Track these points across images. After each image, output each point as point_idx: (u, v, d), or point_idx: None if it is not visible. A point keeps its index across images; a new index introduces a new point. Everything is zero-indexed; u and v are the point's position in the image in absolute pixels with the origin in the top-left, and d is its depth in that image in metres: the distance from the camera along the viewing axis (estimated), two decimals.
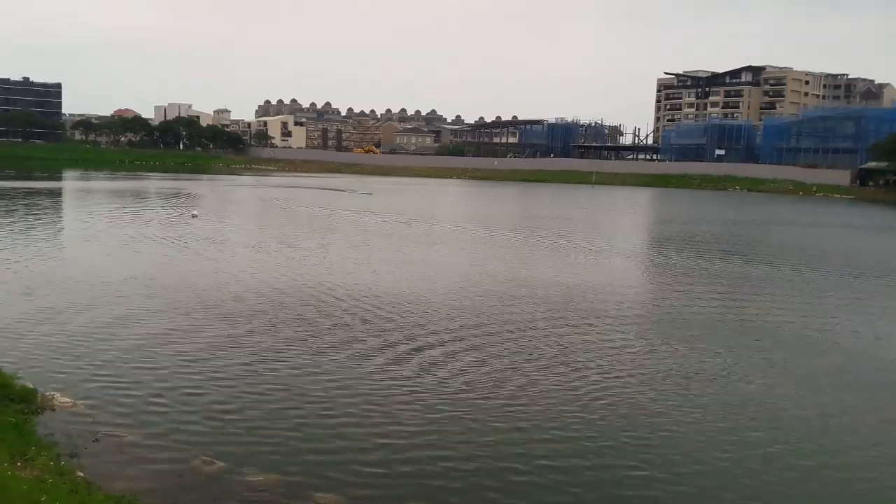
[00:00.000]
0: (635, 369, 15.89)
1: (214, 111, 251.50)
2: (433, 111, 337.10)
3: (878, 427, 13.26)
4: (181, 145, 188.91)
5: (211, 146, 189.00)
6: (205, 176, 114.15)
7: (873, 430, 13.12)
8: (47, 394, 12.63)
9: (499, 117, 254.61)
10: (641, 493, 10.39)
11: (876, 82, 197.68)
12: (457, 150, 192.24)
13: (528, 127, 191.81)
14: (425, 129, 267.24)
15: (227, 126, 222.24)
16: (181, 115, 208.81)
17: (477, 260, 31.76)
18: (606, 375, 15.39)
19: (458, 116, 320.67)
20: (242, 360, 15.50)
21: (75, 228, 38.27)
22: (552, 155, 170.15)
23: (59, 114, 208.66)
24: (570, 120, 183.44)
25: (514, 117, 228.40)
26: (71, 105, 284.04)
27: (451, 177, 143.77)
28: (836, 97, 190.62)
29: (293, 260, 29.31)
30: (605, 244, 39.82)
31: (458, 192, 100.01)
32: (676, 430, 12.54)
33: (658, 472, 10.98)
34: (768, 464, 11.43)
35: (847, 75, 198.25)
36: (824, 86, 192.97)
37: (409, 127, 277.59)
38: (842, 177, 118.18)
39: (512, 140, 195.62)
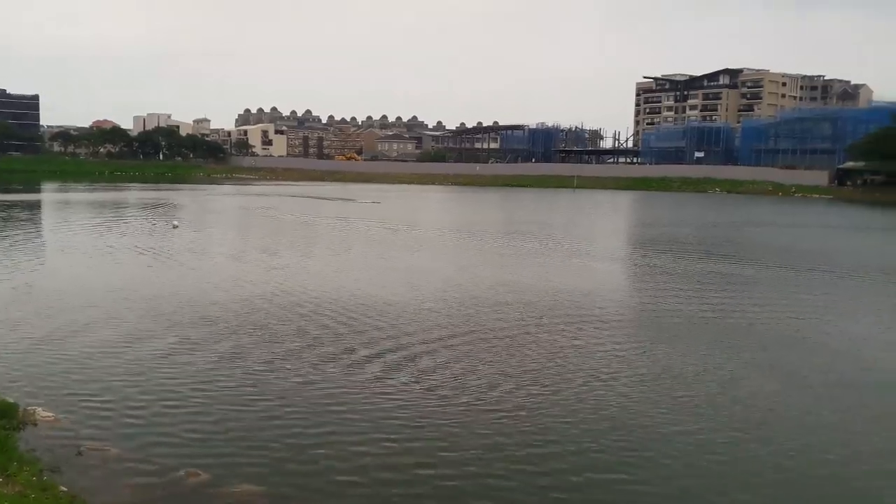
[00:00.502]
0: (622, 373, 15.93)
1: (194, 120, 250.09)
2: (414, 118, 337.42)
3: (867, 426, 13.33)
4: (161, 155, 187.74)
5: (191, 156, 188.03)
6: (185, 186, 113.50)
7: (863, 429, 13.19)
8: (28, 408, 12.50)
9: (480, 123, 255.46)
10: (630, 501, 10.40)
11: (852, 83, 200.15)
12: (438, 157, 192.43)
13: (509, 132, 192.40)
14: (407, 136, 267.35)
15: (206, 135, 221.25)
16: (160, 125, 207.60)
17: (463, 265, 31.79)
18: (593, 380, 15.41)
19: (439, 122, 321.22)
20: (227, 371, 15.40)
21: (54, 240, 37.92)
22: (533, 160, 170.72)
23: (37, 125, 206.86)
24: (550, 125, 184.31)
25: (496, 123, 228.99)
26: (49, 117, 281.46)
27: (433, 183, 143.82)
28: (813, 98, 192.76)
29: (276, 269, 29.19)
30: (589, 248, 39.98)
31: (440, 198, 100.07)
32: (664, 435, 12.56)
33: (647, 478, 10.97)
34: (758, 466, 11.47)
35: (823, 76, 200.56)
36: (801, 87, 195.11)
37: (391, 134, 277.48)
38: (820, 177, 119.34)
39: (493, 146, 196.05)
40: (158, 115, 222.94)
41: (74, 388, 14.02)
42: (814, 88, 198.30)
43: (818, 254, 39.33)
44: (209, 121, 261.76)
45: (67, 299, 22.15)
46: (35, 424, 12.03)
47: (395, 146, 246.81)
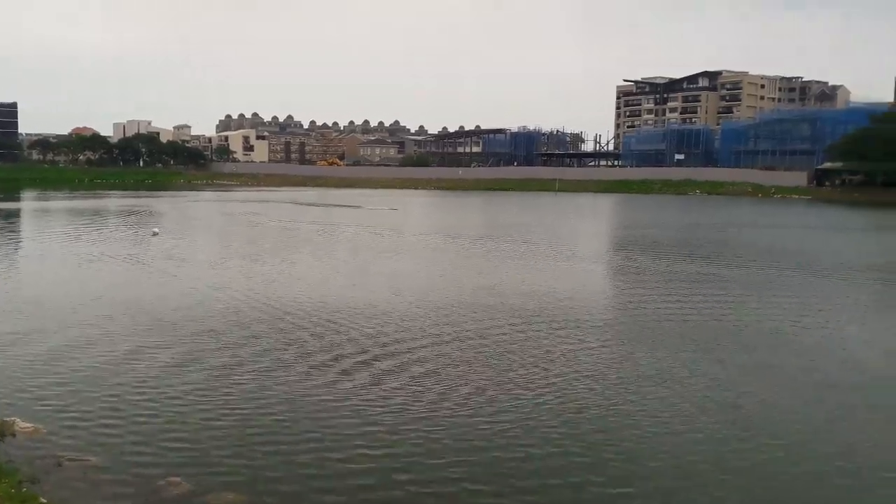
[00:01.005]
0: (607, 377, 15.93)
1: (174, 127, 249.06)
2: (396, 122, 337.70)
3: (855, 428, 13.41)
4: (141, 162, 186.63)
5: (171, 162, 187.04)
6: (166, 193, 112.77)
7: (849, 431, 13.26)
8: (7, 419, 12.34)
9: (462, 127, 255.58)
10: None
11: (830, 84, 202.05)
12: (421, 161, 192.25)
13: (491, 136, 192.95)
14: (389, 141, 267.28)
15: (187, 142, 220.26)
16: (140, 131, 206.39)
17: (446, 269, 31.79)
18: (578, 384, 15.41)
19: (421, 127, 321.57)
20: (205, 379, 15.27)
21: (33, 248, 37.54)
22: (516, 163, 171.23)
23: (16, 134, 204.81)
24: (532, 128, 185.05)
25: (478, 127, 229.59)
26: (27, 124, 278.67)
27: (415, 187, 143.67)
28: (792, 100, 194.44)
29: (258, 276, 29.02)
30: (572, 251, 40.05)
31: (424, 202, 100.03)
32: (650, 439, 12.57)
33: (632, 482, 10.96)
34: (745, 470, 11.49)
35: (801, 78, 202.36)
36: (780, 89, 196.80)
37: (373, 138, 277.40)
38: (799, 178, 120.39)
39: (475, 150, 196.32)
40: (138, 122, 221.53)
41: (53, 398, 13.86)
42: (792, 90, 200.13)
43: (799, 254, 39.64)
44: (190, 127, 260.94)
45: (45, 308, 21.91)
46: (14, 435, 11.88)
47: (377, 151, 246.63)
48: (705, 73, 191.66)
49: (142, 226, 51.74)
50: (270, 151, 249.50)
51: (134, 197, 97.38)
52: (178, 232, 48.64)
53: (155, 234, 44.59)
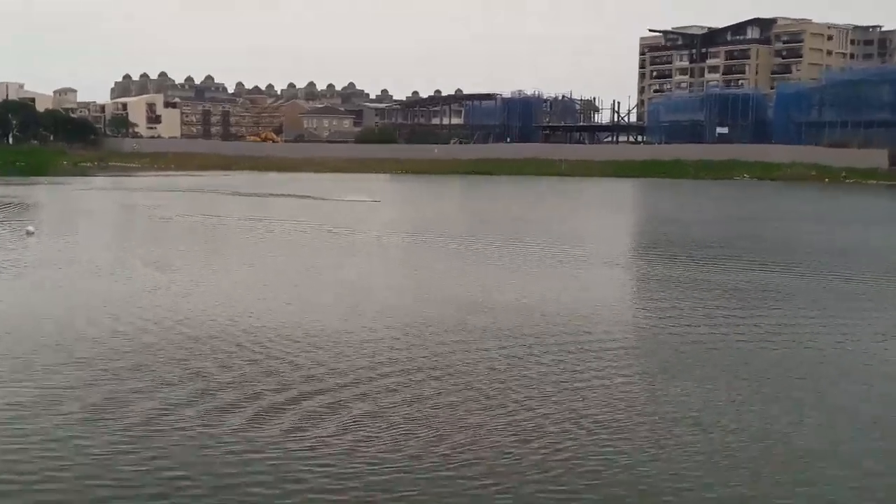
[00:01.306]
0: (614, 415, 15.89)
1: (55, 91, 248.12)
2: (351, 85, 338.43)
3: None
4: (10, 138, 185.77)
5: (51, 138, 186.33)
6: (44, 179, 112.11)
7: None
8: None
9: (438, 92, 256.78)
10: None
11: None
12: (384, 136, 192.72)
13: (476, 104, 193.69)
14: (342, 109, 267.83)
15: (72, 110, 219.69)
16: (9, 97, 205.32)
17: (419, 280, 31.96)
18: (578, 426, 15.34)
19: (384, 91, 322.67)
20: (78, 424, 14.99)
21: None
22: (508, 139, 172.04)
23: None
24: (530, 93, 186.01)
25: (459, 91, 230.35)
26: None
27: (376, 171, 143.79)
28: (868, 55, 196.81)
29: (163, 289, 28.82)
30: (583, 254, 40.16)
31: (387, 190, 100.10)
32: (661, 493, 12.56)
33: None
34: None
35: (881, 27, 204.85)
36: (852, 41, 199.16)
37: (321, 106, 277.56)
38: (878, 158, 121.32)
39: (456, 121, 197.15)
40: (7, 85, 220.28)
41: None
42: (868, 42, 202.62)
43: (880, 259, 40.00)
44: (76, 91, 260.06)
45: None
46: None
47: (325, 123, 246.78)
48: (755, 21, 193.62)
49: (11, 222, 51.40)
50: (184, 124, 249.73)
51: (1, 185, 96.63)
52: (61, 231, 48.58)
53: (29, 233, 44.42)
